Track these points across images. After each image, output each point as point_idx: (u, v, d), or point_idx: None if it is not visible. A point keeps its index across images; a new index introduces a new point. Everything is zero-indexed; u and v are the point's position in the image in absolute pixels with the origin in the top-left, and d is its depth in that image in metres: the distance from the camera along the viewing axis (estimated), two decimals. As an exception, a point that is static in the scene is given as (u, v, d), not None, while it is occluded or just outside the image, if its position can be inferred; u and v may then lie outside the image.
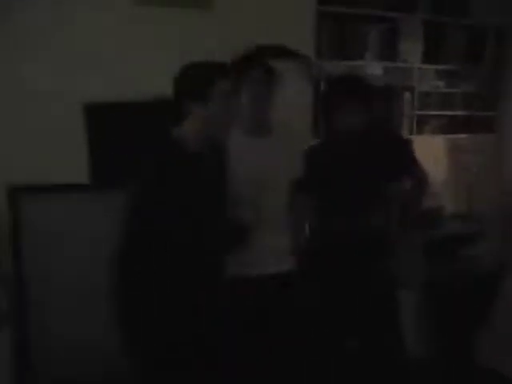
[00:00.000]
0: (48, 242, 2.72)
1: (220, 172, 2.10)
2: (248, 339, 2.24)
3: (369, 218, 2.44)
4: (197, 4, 2.95)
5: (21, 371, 2.67)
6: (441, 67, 3.78)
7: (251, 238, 2.17)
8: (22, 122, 2.66)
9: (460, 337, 2.70)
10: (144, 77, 2.74)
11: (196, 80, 1.91)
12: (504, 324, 1.85)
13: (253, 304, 2.26)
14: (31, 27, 2.63)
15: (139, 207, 1.86)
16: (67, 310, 2.75)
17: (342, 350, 2.57)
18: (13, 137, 2.65)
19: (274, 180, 2.26)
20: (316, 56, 3.23)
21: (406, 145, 2.62)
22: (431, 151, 3.67)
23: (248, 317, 2.25)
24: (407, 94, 3.64)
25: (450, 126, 3.89)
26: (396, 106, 3.60)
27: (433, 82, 3.80)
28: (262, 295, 2.28)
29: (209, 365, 2.00)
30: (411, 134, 3.65)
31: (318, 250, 2.51)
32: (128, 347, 1.89)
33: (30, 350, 2.72)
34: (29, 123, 2.67)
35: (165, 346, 1.91)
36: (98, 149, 2.80)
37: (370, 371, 2.53)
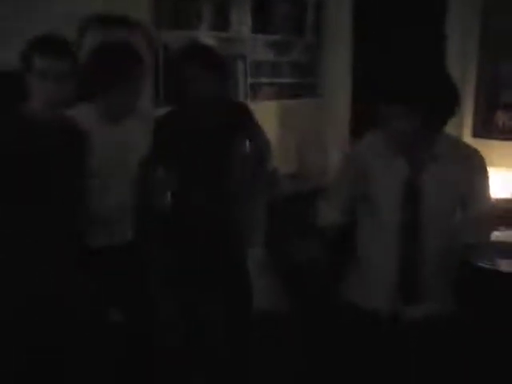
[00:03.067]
0: None
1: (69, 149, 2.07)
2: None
3: (219, 183, 2.58)
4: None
5: None
6: (270, 37, 4.03)
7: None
8: None
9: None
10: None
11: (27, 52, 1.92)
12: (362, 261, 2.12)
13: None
14: None
15: None
16: None
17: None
18: None
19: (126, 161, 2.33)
20: (154, 26, 3.27)
21: (246, 110, 2.79)
22: (264, 116, 3.91)
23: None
24: (240, 64, 3.84)
25: (281, 93, 4.19)
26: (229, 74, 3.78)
27: (263, 51, 4.04)
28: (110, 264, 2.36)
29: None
30: (246, 101, 3.86)
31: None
32: None
33: None
34: None
35: None
36: None
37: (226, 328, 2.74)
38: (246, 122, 2.70)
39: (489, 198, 2.00)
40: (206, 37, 3.61)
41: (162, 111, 2.84)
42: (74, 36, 2.70)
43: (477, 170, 1.95)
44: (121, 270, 2.41)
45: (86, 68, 2.23)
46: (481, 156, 1.96)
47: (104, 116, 2.29)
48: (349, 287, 2.11)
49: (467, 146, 2.02)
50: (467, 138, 3.90)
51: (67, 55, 1.95)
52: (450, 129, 1.96)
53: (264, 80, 4.05)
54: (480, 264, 2.53)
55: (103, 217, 2.28)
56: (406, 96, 1.76)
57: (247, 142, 2.76)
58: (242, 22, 3.81)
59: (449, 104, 1.81)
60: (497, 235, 2.61)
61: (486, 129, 4.02)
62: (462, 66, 3.94)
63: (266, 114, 4.04)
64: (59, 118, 2.03)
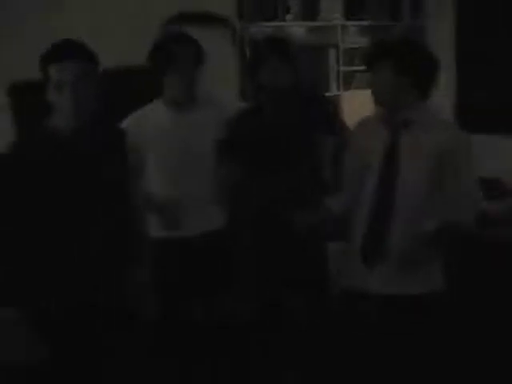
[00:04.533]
0: None
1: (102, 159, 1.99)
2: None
3: (294, 175, 2.54)
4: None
5: None
6: (362, 23, 3.90)
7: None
8: None
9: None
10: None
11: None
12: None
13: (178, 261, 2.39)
14: None
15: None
16: None
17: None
18: None
19: (200, 151, 2.37)
20: (239, 20, 3.29)
21: (328, 103, 2.72)
22: (358, 105, 3.80)
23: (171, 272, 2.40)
24: (332, 52, 3.75)
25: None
26: (321, 64, 3.71)
27: (356, 38, 3.92)
28: (187, 254, 2.40)
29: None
30: (338, 90, 3.78)
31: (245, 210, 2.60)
32: None
33: None
34: None
35: None
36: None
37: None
38: (328, 116, 2.65)
39: (471, 175, 2.01)
40: (294, 27, 3.58)
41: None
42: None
43: (457, 145, 1.99)
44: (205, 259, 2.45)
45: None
46: (462, 133, 2.04)
47: (169, 106, 2.37)
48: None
49: (449, 122, 2.21)
50: None
51: (85, 58, 1.83)
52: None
53: (357, 68, 3.92)
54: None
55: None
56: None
57: (329, 138, 2.70)
58: (332, 9, 3.72)
59: (431, 72, 2.01)
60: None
61: None
62: None
63: (360, 102, 3.93)
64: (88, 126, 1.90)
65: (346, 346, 2.17)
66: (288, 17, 3.49)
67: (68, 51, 1.80)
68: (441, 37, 4.13)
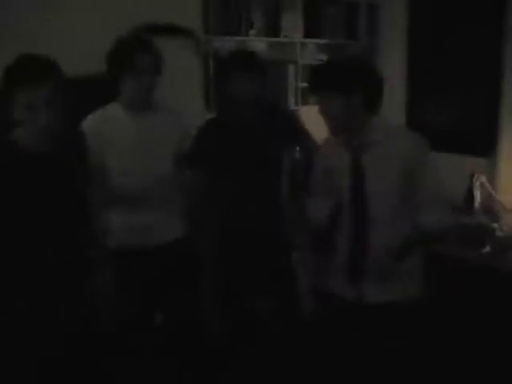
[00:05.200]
0: None
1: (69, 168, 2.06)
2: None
3: (262, 188, 2.62)
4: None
5: None
6: (321, 41, 4.03)
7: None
8: None
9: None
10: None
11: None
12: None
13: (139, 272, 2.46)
14: None
15: None
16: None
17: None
18: None
19: (155, 152, 2.46)
20: (204, 33, 3.35)
21: (293, 116, 2.82)
22: (315, 120, 3.92)
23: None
24: (291, 68, 3.87)
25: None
26: (281, 79, 3.82)
27: (314, 55, 4.05)
28: (145, 264, 2.47)
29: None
30: (296, 105, 3.89)
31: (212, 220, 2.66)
32: None
33: None
34: None
35: None
36: None
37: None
38: (294, 129, 2.74)
39: (435, 180, 2.06)
40: (257, 42, 3.66)
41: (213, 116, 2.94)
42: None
43: (416, 152, 2.04)
44: (165, 269, 2.49)
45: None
46: (420, 138, 2.07)
47: (126, 109, 2.45)
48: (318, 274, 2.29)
49: (404, 130, 2.20)
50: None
51: (47, 76, 1.80)
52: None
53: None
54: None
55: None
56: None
57: (296, 148, 2.79)
58: (293, 26, 3.83)
59: (377, 90, 2.05)
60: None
61: None
62: None
63: (317, 117, 4.05)
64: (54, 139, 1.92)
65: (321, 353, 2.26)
66: (251, 32, 3.58)
67: (36, 73, 1.77)
68: (393, 55, 4.33)
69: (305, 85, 3.91)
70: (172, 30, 3.10)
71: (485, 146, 3.63)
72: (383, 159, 2.02)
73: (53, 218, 1.94)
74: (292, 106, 3.85)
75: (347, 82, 1.97)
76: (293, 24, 3.83)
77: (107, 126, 2.43)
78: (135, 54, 2.34)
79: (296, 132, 2.75)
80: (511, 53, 3.51)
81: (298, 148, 2.98)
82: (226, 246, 2.60)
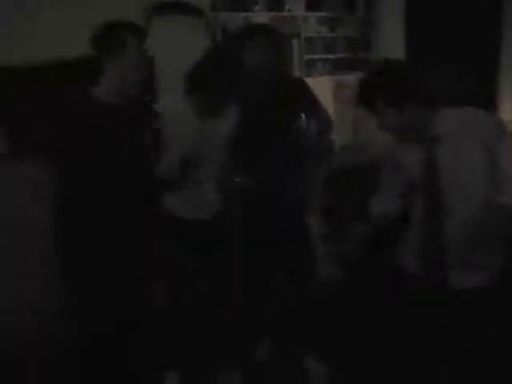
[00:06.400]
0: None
1: (141, 124, 2.29)
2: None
3: (277, 155, 2.73)
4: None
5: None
6: (322, 14, 4.18)
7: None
8: None
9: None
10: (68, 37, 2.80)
11: (107, 38, 2.04)
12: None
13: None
14: None
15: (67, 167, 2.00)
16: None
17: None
18: None
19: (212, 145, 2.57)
20: (211, 10, 3.49)
21: (304, 85, 2.93)
22: (319, 91, 4.07)
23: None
24: (294, 41, 4.01)
25: (335, 68, 4.34)
26: (286, 51, 3.96)
27: (316, 28, 4.19)
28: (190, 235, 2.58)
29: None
30: (301, 76, 4.03)
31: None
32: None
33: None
34: None
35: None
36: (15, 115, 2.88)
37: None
38: (304, 97, 2.85)
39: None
40: (262, 17, 3.80)
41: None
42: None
43: (493, 134, 1.91)
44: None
45: (195, 68, 2.48)
46: (496, 118, 2.03)
47: (198, 111, 2.53)
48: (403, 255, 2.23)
49: (477, 113, 1.99)
50: None
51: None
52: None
53: (318, 56, 4.20)
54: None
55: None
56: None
57: (304, 116, 2.89)
58: (295, 1, 3.97)
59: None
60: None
61: None
62: None
63: (321, 88, 4.20)
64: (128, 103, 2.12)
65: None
66: (256, 8, 3.72)
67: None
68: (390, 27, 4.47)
69: (309, 57, 4.07)
70: (185, 8, 3.22)
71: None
72: (457, 150, 1.94)
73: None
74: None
75: (397, 99, 1.90)
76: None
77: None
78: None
79: (306, 99, 2.87)
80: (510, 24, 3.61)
81: (304, 116, 3.05)
82: (249, 218, 2.72)
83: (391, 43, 4.50)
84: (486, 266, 2.00)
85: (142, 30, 2.13)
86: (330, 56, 4.30)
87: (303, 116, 2.94)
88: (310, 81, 3.95)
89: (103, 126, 2.00)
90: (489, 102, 3.71)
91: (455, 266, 2.00)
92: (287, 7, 3.92)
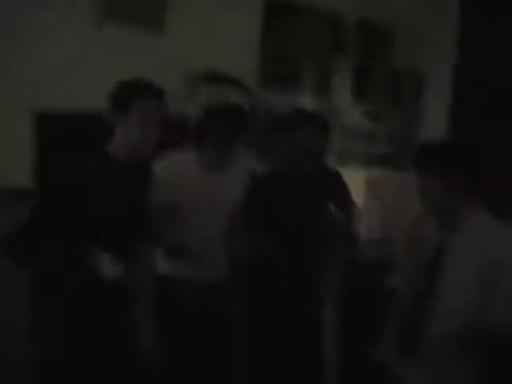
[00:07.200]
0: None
1: (144, 187, 2.26)
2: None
3: (305, 245, 2.67)
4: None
5: None
6: (367, 106, 4.16)
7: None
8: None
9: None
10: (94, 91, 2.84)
11: (117, 98, 2.05)
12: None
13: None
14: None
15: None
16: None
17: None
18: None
19: (225, 208, 2.52)
20: (259, 89, 3.49)
21: (339, 177, 2.90)
22: (352, 182, 4.01)
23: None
24: (336, 129, 3.97)
25: (370, 161, 4.29)
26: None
27: (359, 119, 4.16)
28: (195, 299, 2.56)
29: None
30: (336, 165, 3.98)
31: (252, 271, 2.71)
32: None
33: None
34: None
35: None
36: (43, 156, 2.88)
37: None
38: (337, 189, 2.82)
39: None
40: (306, 101, 3.79)
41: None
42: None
43: (503, 257, 1.93)
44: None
45: (198, 121, 2.50)
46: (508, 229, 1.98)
47: (202, 163, 2.55)
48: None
49: (504, 226, 2.00)
50: None
51: (163, 102, 2.08)
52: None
53: (356, 147, 4.16)
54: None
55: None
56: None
57: (334, 208, 2.85)
58: (341, 88, 3.96)
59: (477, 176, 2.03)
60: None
61: None
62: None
63: (354, 180, 4.14)
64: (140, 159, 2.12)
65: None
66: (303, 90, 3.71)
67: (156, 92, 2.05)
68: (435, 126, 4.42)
69: (346, 147, 4.03)
70: (232, 83, 3.22)
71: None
72: (469, 248, 1.98)
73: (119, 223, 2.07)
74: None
75: (449, 165, 2.00)
76: (341, 87, 3.95)
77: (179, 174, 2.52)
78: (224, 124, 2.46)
79: (341, 192, 2.84)
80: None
81: (334, 208, 3.02)
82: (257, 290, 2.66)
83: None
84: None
85: (154, 92, 2.08)
86: (368, 149, 4.25)
87: (333, 207, 2.91)
88: (342, 171, 3.95)
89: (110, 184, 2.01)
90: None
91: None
92: (332, 95, 3.90)
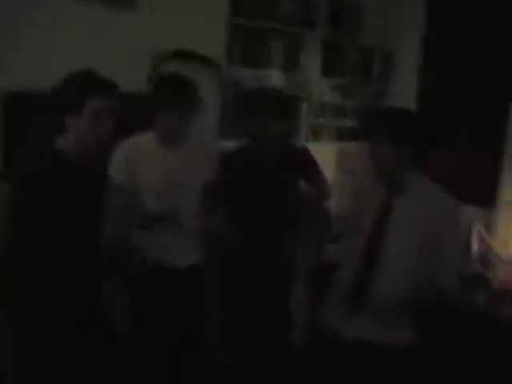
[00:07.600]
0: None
1: (98, 182, 2.21)
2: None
3: (274, 220, 2.71)
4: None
5: None
6: (337, 81, 4.18)
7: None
8: None
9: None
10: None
11: (67, 96, 1.98)
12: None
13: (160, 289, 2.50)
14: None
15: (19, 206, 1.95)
16: None
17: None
18: None
19: (185, 183, 2.50)
20: (226, 64, 3.48)
21: (309, 154, 2.94)
22: (323, 157, 4.04)
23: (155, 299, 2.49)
24: (305, 105, 4.00)
25: (341, 135, 4.32)
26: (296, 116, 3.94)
27: (329, 93, 4.18)
28: (166, 283, 2.51)
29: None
30: (307, 141, 4.01)
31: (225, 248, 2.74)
32: None
33: None
34: None
35: None
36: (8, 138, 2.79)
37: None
38: (307, 166, 2.86)
39: (460, 243, 2.18)
40: (275, 77, 3.79)
41: (228, 144, 3.04)
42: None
43: (449, 214, 2.07)
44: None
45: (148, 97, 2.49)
46: (454, 203, 2.12)
47: (160, 140, 2.49)
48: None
49: (442, 194, 2.13)
50: None
51: (114, 96, 2.01)
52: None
53: (326, 122, 4.18)
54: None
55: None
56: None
57: (305, 185, 2.90)
58: (310, 64, 3.98)
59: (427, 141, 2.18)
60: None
61: None
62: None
63: (325, 154, 4.17)
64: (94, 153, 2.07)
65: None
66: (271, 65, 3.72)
67: (105, 86, 1.98)
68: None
69: (317, 122, 4.06)
70: (197, 58, 3.22)
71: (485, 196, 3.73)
72: (412, 212, 2.07)
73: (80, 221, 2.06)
74: (303, 142, 3.96)
75: (397, 133, 2.06)
76: (310, 62, 3.97)
77: (140, 153, 2.48)
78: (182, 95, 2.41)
79: (310, 169, 2.88)
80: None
81: (307, 184, 3.06)
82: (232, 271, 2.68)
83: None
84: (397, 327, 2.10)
85: (105, 88, 2.01)
86: (338, 123, 4.28)
87: (303, 183, 2.96)
88: (314, 146, 3.98)
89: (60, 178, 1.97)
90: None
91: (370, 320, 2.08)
92: (301, 71, 3.91)
